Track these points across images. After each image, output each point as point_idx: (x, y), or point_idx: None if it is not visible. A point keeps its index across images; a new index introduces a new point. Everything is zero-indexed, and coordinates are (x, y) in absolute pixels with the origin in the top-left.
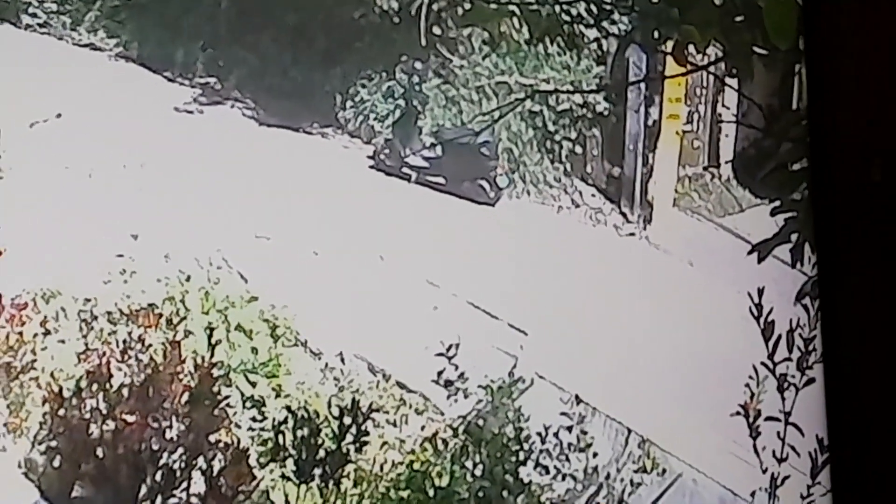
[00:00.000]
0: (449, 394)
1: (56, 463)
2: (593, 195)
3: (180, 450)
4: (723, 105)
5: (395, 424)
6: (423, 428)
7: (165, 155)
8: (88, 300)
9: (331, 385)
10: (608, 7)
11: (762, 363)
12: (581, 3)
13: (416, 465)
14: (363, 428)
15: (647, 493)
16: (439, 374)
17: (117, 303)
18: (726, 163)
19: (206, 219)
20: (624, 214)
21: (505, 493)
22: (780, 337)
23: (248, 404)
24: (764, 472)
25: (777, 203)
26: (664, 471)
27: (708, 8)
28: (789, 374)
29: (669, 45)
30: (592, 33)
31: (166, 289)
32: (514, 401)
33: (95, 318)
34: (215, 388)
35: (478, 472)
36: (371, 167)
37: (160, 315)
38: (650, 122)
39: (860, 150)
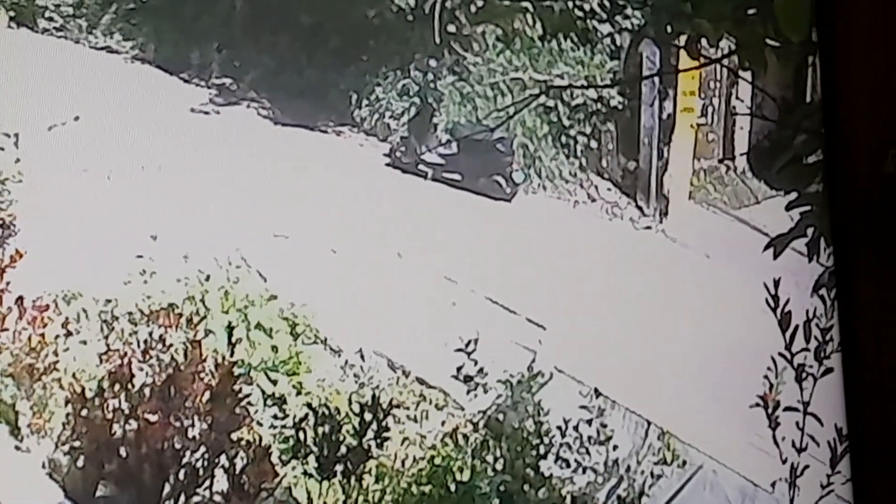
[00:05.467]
0: (468, 389)
1: (80, 463)
2: (609, 189)
3: (203, 448)
4: (737, 98)
5: (415, 420)
6: (443, 423)
7: (183, 156)
8: (109, 301)
9: (351, 382)
10: (621, 2)
11: (780, 354)
12: None
13: (437, 461)
14: (384, 424)
15: (668, 485)
16: (458, 369)
17: (138, 303)
18: (741, 155)
19: (224, 219)
20: (640, 208)
21: (526, 487)
22: (797, 327)
23: (269, 402)
24: (784, 462)
25: (793, 196)
26: (684, 462)
27: (720, 2)
28: (807, 365)
29: (682, 39)
30: (605, 28)
31: (186, 289)
32: (534, 395)
33: (116, 318)
34: (236, 387)
35: (498, 467)
36: (387, 165)
37: (180, 315)
38: (664, 116)
39: (874, 142)
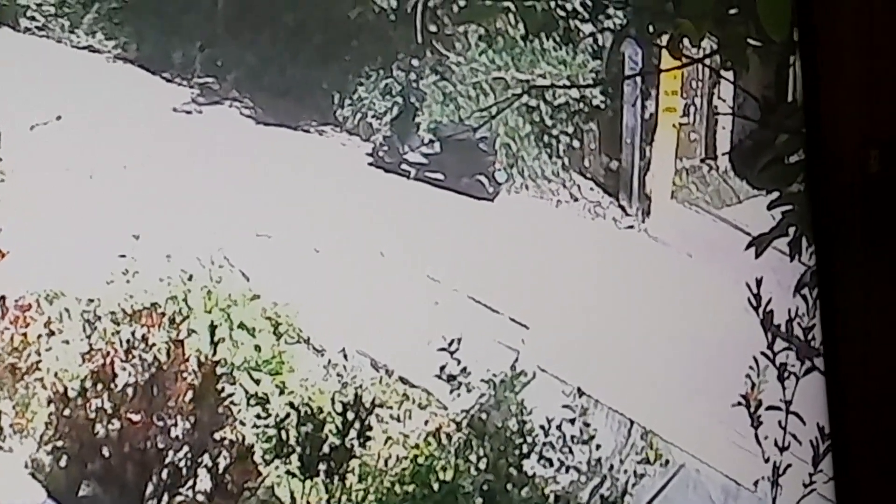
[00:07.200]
0: (452, 388)
1: (62, 463)
2: (591, 189)
3: (186, 448)
4: (719, 97)
5: (398, 419)
6: (426, 423)
7: (165, 155)
8: (91, 301)
9: (334, 381)
10: (603, 2)
11: (762, 353)
12: None
13: (421, 460)
14: (367, 423)
15: (651, 484)
16: (442, 368)
17: (120, 303)
18: (723, 154)
19: (207, 218)
20: (622, 207)
21: (509, 486)
22: (779, 327)
23: (251, 401)
24: (766, 461)
25: (775, 195)
26: (667, 461)
27: (702, 1)
28: (789, 364)
29: (664, 38)
30: (588, 28)
31: (169, 288)
32: (517, 394)
33: (99, 318)
34: (219, 386)
35: (482, 466)
36: (370, 164)
37: (163, 314)
38: (647, 116)
39: (856, 141)
